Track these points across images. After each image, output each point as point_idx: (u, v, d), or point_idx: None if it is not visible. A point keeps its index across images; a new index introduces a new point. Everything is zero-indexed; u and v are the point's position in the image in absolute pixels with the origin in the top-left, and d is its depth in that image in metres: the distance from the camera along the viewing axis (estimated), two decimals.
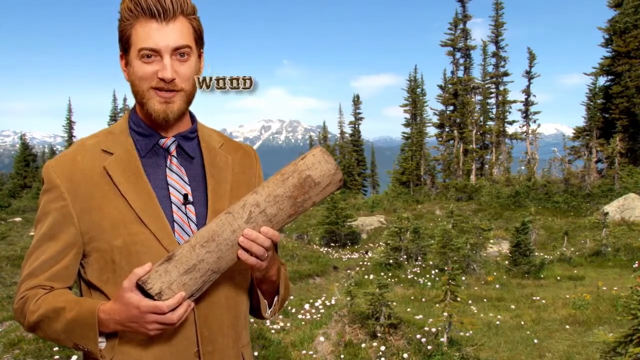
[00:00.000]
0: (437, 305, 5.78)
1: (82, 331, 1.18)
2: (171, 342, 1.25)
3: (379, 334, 5.16)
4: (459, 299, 5.55)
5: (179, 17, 1.21)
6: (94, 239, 1.24)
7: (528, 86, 31.32)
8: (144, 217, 1.23)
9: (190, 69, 1.24)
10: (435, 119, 33.89)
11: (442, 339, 5.25)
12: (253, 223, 1.15)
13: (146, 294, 1.12)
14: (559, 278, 10.49)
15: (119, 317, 1.15)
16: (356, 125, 40.16)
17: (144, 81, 1.22)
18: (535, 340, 6.25)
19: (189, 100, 1.28)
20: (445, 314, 5.32)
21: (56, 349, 4.82)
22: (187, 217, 1.28)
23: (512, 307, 8.12)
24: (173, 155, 1.31)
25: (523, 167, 29.05)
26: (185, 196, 1.29)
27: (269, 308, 1.41)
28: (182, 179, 1.30)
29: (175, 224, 1.26)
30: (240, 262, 1.17)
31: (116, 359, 1.23)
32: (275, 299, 1.41)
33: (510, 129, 32.55)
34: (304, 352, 5.21)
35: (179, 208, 1.28)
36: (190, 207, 1.29)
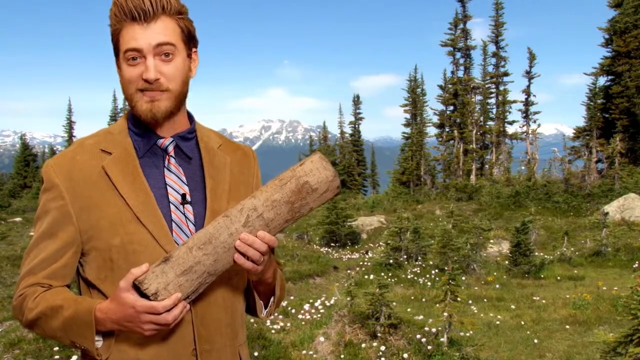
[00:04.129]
0: (437, 305, 5.78)
1: (79, 329, 1.20)
2: (168, 341, 1.26)
3: (379, 334, 5.16)
4: (459, 299, 5.55)
5: (161, 16, 1.22)
6: (92, 238, 1.25)
7: (528, 86, 31.29)
8: (142, 217, 1.24)
9: (175, 69, 1.24)
10: (435, 119, 33.87)
11: (442, 339, 5.25)
12: (250, 227, 1.16)
13: (142, 294, 1.13)
14: (559, 278, 10.49)
15: (115, 317, 1.17)
16: (356, 125, 40.13)
17: (131, 84, 1.24)
18: (536, 340, 6.25)
19: (177, 99, 1.28)
20: (446, 314, 5.32)
21: (56, 348, 4.83)
22: (185, 217, 1.29)
23: (512, 307, 8.12)
24: (171, 156, 1.32)
25: (523, 167, 29.00)
26: (184, 196, 1.29)
27: (265, 309, 1.43)
28: (180, 179, 1.31)
29: (173, 224, 1.27)
30: (237, 265, 1.18)
31: (113, 357, 1.24)
32: (271, 299, 1.42)
33: (510, 129, 32.52)
34: (304, 352, 5.21)
35: (177, 208, 1.29)
36: (189, 207, 1.30)
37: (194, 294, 1.18)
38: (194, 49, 1.32)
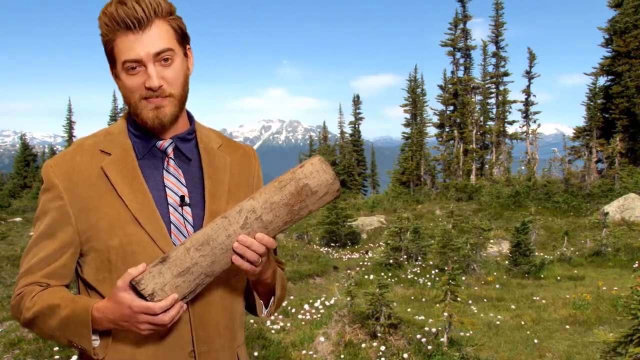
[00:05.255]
0: (437, 305, 5.78)
1: (76, 328, 1.20)
2: (165, 341, 1.26)
3: (379, 334, 5.16)
4: (459, 299, 5.54)
5: (155, 21, 1.21)
6: (90, 239, 1.25)
7: (528, 86, 31.30)
8: (140, 218, 1.23)
9: (176, 72, 1.24)
10: (435, 119, 33.89)
11: (442, 339, 5.25)
12: (248, 229, 1.15)
13: (139, 294, 1.13)
14: (559, 278, 10.49)
15: (112, 316, 1.17)
16: (356, 125, 40.13)
17: (134, 93, 1.23)
18: (536, 340, 6.25)
19: (181, 103, 1.28)
20: (446, 314, 5.32)
21: (56, 349, 4.83)
22: (184, 218, 1.29)
23: (512, 307, 8.12)
24: (170, 157, 1.32)
25: (523, 167, 28.99)
26: (182, 198, 1.29)
27: (265, 308, 1.42)
28: (179, 181, 1.31)
29: (171, 225, 1.27)
30: (235, 266, 1.18)
31: (110, 357, 1.24)
32: (272, 299, 1.42)
33: (510, 129, 32.53)
34: (304, 352, 5.21)
35: (175, 210, 1.28)
36: (187, 209, 1.29)
37: (191, 295, 1.18)
38: (188, 46, 1.31)
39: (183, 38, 1.28)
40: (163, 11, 1.22)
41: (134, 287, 1.13)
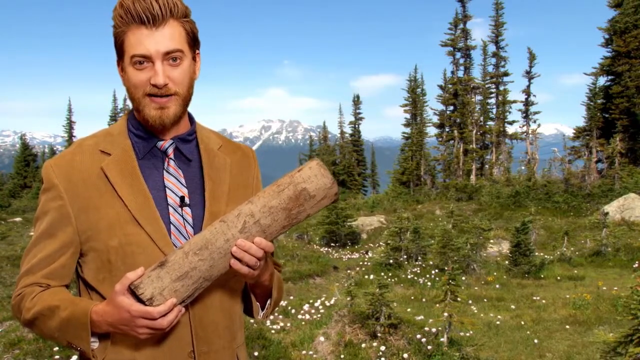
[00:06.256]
0: (437, 305, 5.78)
1: (75, 331, 1.20)
2: (165, 343, 1.26)
3: (379, 334, 5.16)
4: (459, 299, 5.55)
5: (169, 21, 1.22)
6: (90, 239, 1.25)
7: (528, 86, 31.28)
8: (140, 218, 1.24)
9: (183, 73, 1.24)
10: (435, 119, 33.87)
11: (442, 339, 5.25)
12: (247, 233, 1.15)
13: (138, 299, 1.13)
14: (559, 278, 10.49)
15: (110, 319, 1.17)
16: (356, 125, 40.12)
17: (138, 88, 1.23)
18: (536, 340, 6.25)
19: (185, 103, 1.28)
20: (446, 314, 5.32)
21: (56, 349, 4.83)
22: (184, 219, 1.29)
23: (512, 307, 8.12)
24: (170, 158, 1.32)
25: (523, 167, 28.96)
26: (182, 198, 1.29)
27: (262, 310, 1.42)
28: (179, 182, 1.31)
29: (171, 226, 1.27)
30: (233, 269, 1.18)
31: (109, 358, 1.25)
32: (268, 302, 1.42)
33: (510, 129, 32.50)
34: (304, 352, 5.21)
35: (175, 210, 1.29)
36: (187, 210, 1.30)
37: (189, 299, 1.18)
38: (197, 51, 1.32)
39: (194, 42, 1.29)
40: (179, 12, 1.23)
41: (132, 292, 1.13)
